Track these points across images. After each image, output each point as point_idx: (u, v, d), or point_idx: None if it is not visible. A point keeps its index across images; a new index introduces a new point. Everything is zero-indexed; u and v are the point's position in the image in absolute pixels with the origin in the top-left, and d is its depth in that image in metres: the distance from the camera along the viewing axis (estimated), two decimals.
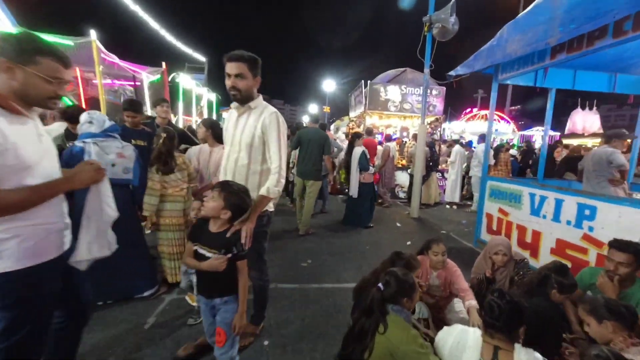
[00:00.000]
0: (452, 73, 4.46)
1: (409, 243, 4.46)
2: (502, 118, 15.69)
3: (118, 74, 6.05)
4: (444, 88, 9.12)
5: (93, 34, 4.45)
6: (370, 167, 5.23)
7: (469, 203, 7.47)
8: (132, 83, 6.26)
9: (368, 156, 5.21)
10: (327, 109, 34.05)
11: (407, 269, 1.97)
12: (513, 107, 17.65)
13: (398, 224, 5.52)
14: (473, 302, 2.16)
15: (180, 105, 12.70)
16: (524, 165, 7.56)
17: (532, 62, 3.56)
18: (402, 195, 8.01)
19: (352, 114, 11.90)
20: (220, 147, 3.01)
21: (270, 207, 1.99)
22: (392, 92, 8.84)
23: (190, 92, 13.36)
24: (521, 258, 2.63)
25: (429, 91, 9.21)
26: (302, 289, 2.99)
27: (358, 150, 5.05)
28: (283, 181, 1.86)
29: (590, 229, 2.76)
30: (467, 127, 14.76)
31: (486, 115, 15.76)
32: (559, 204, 3.10)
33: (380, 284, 1.52)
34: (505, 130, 15.55)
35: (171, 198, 2.72)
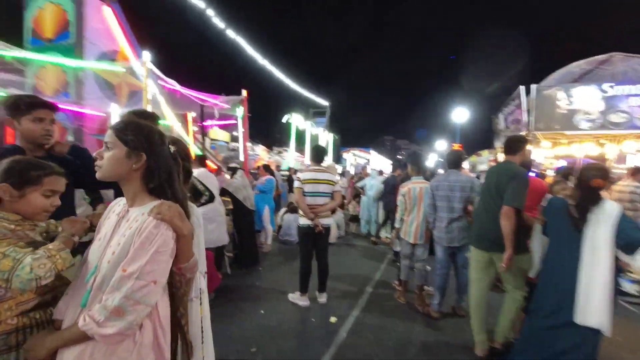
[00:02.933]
0: None
1: None
2: None
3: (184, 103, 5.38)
4: None
5: (146, 55, 3.72)
6: None
7: None
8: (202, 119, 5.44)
9: None
10: (457, 146, 28.86)
11: None
12: None
13: None
14: None
15: (292, 143, 12.80)
16: None
17: None
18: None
19: (499, 143, 8.43)
20: None
21: None
22: (583, 97, 5.26)
23: (303, 132, 13.82)
24: None
25: None
26: None
27: (614, 208, 1.94)
28: None
29: None
30: None
31: None
32: None
33: None
34: None
35: None
